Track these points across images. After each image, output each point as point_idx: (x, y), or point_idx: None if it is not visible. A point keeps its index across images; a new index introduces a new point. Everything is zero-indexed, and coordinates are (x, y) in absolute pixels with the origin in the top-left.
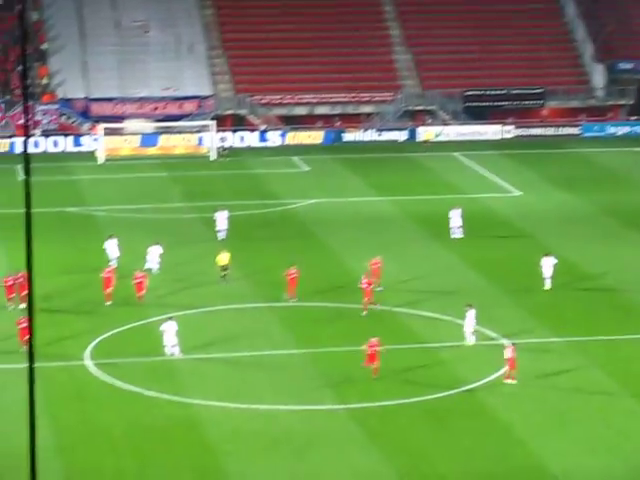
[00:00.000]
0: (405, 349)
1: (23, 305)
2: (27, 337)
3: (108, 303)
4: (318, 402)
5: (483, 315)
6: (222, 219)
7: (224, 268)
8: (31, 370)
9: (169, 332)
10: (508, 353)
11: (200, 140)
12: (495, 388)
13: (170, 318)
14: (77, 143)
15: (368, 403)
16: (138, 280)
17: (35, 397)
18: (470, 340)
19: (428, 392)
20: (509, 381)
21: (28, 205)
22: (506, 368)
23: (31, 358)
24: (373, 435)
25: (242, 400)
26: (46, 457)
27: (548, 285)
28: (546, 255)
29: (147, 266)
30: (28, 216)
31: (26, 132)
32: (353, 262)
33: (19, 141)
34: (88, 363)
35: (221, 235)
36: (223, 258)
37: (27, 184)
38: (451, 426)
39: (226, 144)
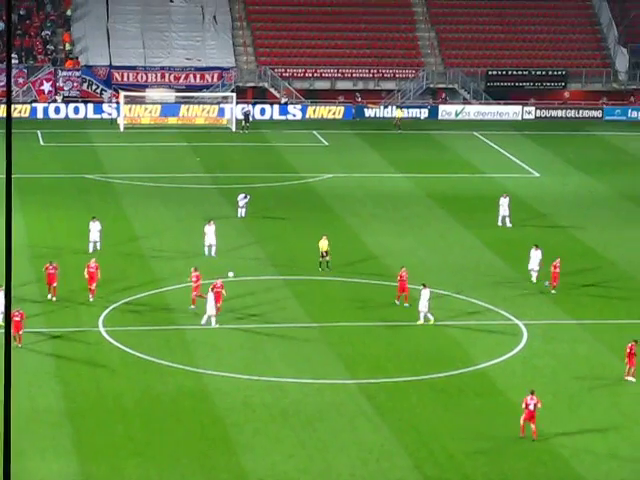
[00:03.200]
0: (418, 326)
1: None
2: (19, 331)
3: (91, 299)
4: (329, 376)
5: (497, 295)
6: (243, 200)
7: (324, 254)
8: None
9: (209, 301)
10: (629, 349)
11: (221, 111)
12: (506, 368)
13: (212, 289)
14: (98, 110)
15: (379, 379)
16: (194, 279)
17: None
18: (422, 319)
19: (439, 370)
20: (629, 378)
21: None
22: (627, 366)
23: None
24: (383, 411)
25: (253, 372)
26: (56, 421)
27: (534, 278)
28: (535, 247)
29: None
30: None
31: (8, 97)
32: (368, 237)
33: (40, 107)
34: (102, 330)
35: (241, 212)
36: (323, 244)
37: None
38: (461, 405)
39: (249, 115)
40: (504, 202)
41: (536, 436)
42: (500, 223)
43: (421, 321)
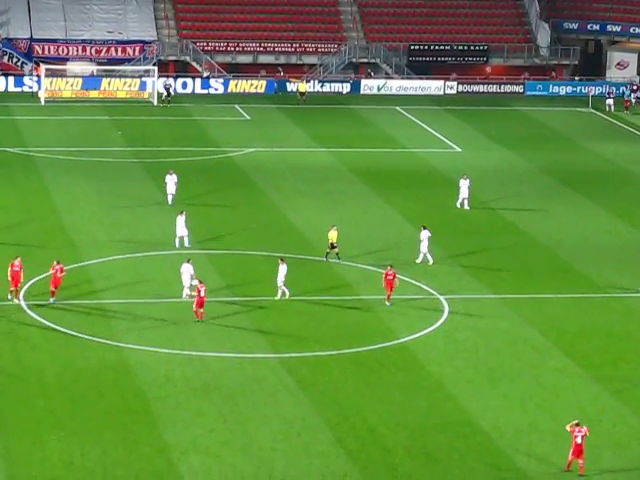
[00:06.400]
0: (339, 301)
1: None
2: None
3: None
4: (250, 350)
5: (419, 270)
6: (172, 183)
7: (332, 245)
8: None
9: (186, 274)
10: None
11: (142, 85)
12: (428, 342)
13: (188, 260)
14: (19, 83)
15: (300, 353)
16: (199, 296)
17: None
18: (280, 295)
19: (361, 344)
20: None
21: None
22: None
23: None
24: (304, 385)
25: (175, 346)
26: None
27: (420, 259)
28: (423, 228)
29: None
30: None
31: None
32: (291, 212)
33: None
34: (22, 304)
35: (170, 199)
36: (333, 234)
37: None
38: (383, 379)
39: (170, 89)
40: (464, 184)
41: (583, 472)
42: (459, 205)
43: (278, 297)
